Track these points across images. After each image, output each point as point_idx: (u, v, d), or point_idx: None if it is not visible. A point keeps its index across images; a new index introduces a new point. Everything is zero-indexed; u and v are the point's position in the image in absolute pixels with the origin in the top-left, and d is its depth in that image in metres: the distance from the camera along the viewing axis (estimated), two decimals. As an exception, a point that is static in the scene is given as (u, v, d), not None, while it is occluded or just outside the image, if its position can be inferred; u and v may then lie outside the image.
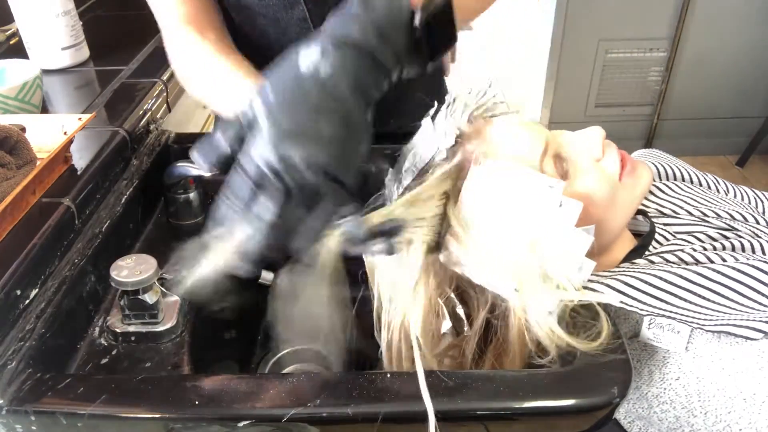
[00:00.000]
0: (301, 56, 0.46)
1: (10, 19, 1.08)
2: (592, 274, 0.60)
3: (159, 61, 1.08)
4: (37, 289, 0.60)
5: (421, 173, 0.64)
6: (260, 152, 0.45)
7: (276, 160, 0.44)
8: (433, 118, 0.67)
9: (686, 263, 0.62)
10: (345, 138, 0.46)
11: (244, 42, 0.85)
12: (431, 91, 0.78)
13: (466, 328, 0.63)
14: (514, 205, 0.58)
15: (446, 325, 0.62)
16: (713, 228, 0.68)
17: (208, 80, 0.71)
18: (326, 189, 0.46)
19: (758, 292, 0.57)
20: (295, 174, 0.44)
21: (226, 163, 0.48)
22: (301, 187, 0.45)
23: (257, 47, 0.85)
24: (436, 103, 0.67)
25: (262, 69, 0.86)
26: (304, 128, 0.45)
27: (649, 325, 0.58)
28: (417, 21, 0.47)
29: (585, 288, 0.59)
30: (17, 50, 1.08)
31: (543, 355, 0.57)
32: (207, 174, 0.82)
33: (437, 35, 0.48)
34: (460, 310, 0.62)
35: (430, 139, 0.65)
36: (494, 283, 0.58)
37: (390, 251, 0.47)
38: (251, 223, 0.45)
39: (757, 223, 0.72)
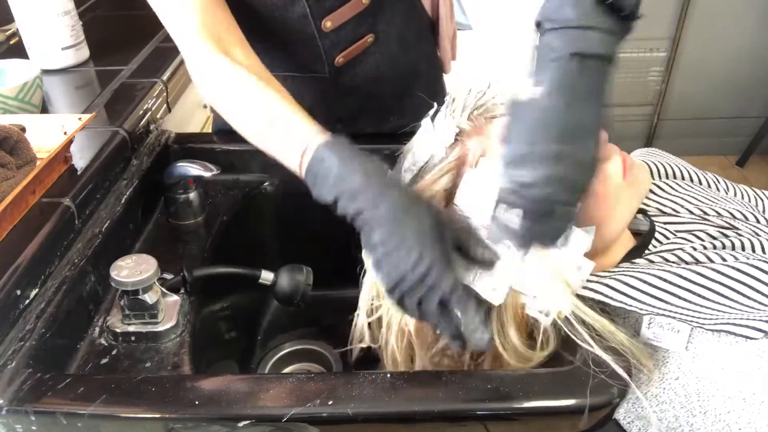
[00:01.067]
0: (518, 92, 0.49)
1: (10, 19, 1.08)
2: (592, 274, 0.60)
3: (159, 61, 1.08)
4: (37, 289, 0.60)
5: (421, 172, 0.65)
6: (502, 180, 0.49)
7: (511, 184, 0.49)
8: (432, 117, 0.67)
9: (686, 263, 0.62)
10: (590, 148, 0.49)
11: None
12: (431, 90, 0.79)
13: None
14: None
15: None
16: (714, 226, 0.68)
17: (266, 127, 0.65)
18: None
19: (758, 291, 0.57)
20: (525, 192, 0.49)
21: None
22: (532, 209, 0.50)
23: (255, 41, 0.85)
24: (435, 104, 0.67)
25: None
26: (536, 149, 0.47)
27: (649, 324, 0.58)
28: None
29: (584, 288, 0.60)
30: (17, 50, 1.08)
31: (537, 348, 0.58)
32: (207, 174, 0.82)
33: None
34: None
35: (429, 139, 0.65)
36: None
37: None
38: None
39: (758, 221, 0.72)
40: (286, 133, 0.62)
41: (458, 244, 0.54)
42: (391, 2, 0.86)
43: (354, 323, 0.70)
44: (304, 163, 0.57)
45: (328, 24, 0.82)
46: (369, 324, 0.68)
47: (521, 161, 0.48)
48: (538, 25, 0.51)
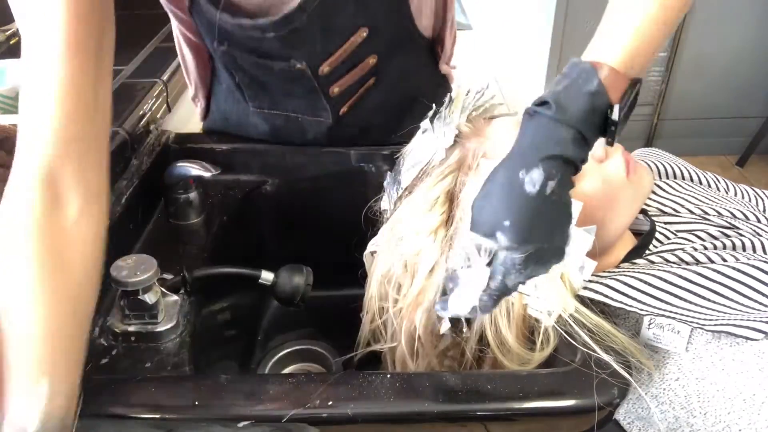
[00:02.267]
0: (525, 181, 0.47)
1: (10, 19, 1.07)
2: (592, 275, 0.60)
3: (159, 61, 1.08)
4: (37, 289, 0.60)
5: (421, 174, 0.65)
6: (512, 279, 0.48)
7: (522, 283, 0.49)
8: (431, 119, 0.67)
9: (686, 263, 0.62)
10: (567, 235, 0.50)
11: (249, 87, 0.85)
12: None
13: (465, 329, 0.63)
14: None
15: (445, 325, 0.62)
16: (714, 226, 0.68)
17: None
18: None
19: (759, 292, 0.57)
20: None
21: None
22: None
23: (260, 89, 0.85)
24: (434, 105, 0.67)
25: (267, 108, 0.87)
26: (546, 249, 0.48)
27: (649, 325, 0.58)
28: (615, 116, 0.48)
29: (584, 288, 0.60)
30: (17, 50, 1.08)
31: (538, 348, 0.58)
32: (207, 174, 0.82)
33: (626, 115, 0.50)
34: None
35: (428, 140, 0.65)
36: None
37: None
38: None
39: (758, 221, 0.72)
40: None
41: None
42: (396, 51, 0.84)
43: (361, 327, 0.70)
44: None
45: (335, 90, 0.82)
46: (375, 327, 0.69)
47: (542, 261, 0.49)
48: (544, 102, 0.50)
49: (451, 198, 0.62)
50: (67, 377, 0.47)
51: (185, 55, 0.89)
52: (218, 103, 0.93)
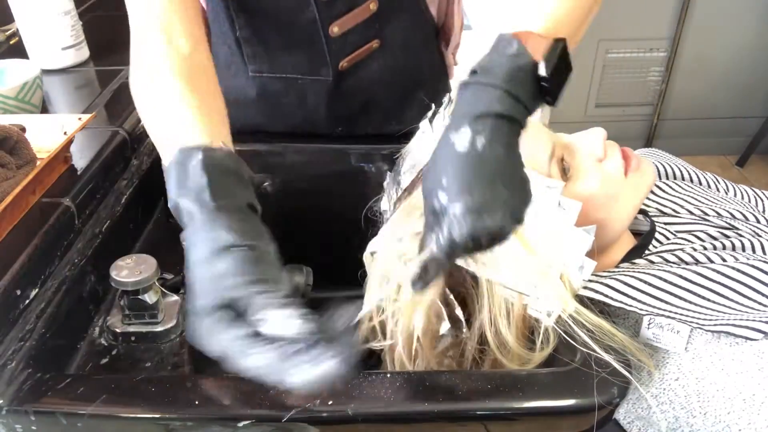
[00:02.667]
0: (455, 140, 0.48)
1: (10, 19, 1.08)
2: (591, 274, 0.60)
3: (159, 61, 1.08)
4: (37, 289, 0.60)
5: (420, 175, 0.65)
6: (456, 232, 0.47)
7: (470, 236, 0.46)
8: (431, 119, 0.67)
9: (686, 263, 0.62)
10: (518, 189, 0.49)
11: (249, 42, 0.85)
12: (435, 96, 0.78)
13: (464, 330, 0.63)
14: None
15: (445, 326, 0.62)
16: (714, 227, 0.68)
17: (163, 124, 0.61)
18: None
19: (758, 292, 0.57)
20: (492, 241, 0.47)
21: None
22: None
23: (259, 44, 0.86)
24: (433, 105, 0.67)
25: (266, 71, 0.87)
26: (488, 199, 0.47)
27: (649, 324, 0.58)
28: (543, 72, 0.49)
29: (584, 288, 0.60)
30: (17, 50, 1.08)
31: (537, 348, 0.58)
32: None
33: (557, 73, 0.51)
34: (458, 312, 0.62)
35: (428, 140, 0.65)
36: (506, 281, 0.58)
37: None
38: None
39: (758, 221, 0.72)
40: (171, 123, 0.60)
41: None
42: (398, 9, 0.86)
43: (361, 325, 0.70)
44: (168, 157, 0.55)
45: (335, 29, 0.82)
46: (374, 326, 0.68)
47: (486, 210, 0.47)
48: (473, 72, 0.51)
49: None
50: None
51: None
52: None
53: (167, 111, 0.60)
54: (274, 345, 0.42)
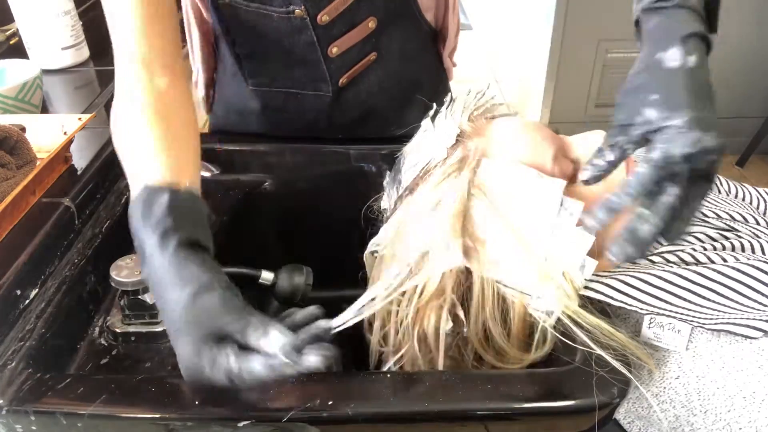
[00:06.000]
0: (666, 59, 0.50)
1: (10, 19, 1.08)
2: (593, 274, 0.60)
3: (159, 61, 1.08)
4: (37, 289, 0.60)
5: (422, 173, 0.64)
6: (678, 145, 0.47)
7: (691, 148, 0.46)
8: (432, 118, 0.67)
9: (687, 263, 0.62)
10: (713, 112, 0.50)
11: (249, 59, 0.86)
12: (434, 99, 0.78)
13: (465, 329, 0.63)
14: (516, 204, 0.58)
15: (448, 324, 0.62)
16: (713, 228, 0.68)
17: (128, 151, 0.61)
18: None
19: (758, 291, 0.57)
20: (708, 157, 0.47)
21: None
22: (705, 172, 0.48)
23: (257, 62, 0.86)
24: (434, 105, 0.67)
25: (266, 86, 0.88)
26: (707, 115, 0.48)
27: (650, 324, 0.58)
28: None
29: (585, 287, 0.60)
30: (17, 50, 1.08)
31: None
32: (207, 174, 0.82)
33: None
34: (460, 312, 0.62)
35: (429, 140, 0.65)
36: (506, 280, 0.58)
37: None
38: (654, 210, 0.48)
39: (758, 223, 0.72)
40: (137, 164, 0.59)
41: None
42: (395, 21, 0.85)
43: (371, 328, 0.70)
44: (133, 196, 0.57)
45: (334, 50, 0.82)
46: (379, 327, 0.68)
47: (706, 126, 0.47)
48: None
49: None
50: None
51: (193, 37, 0.90)
52: (221, 89, 0.94)
53: (137, 146, 0.60)
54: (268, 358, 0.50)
